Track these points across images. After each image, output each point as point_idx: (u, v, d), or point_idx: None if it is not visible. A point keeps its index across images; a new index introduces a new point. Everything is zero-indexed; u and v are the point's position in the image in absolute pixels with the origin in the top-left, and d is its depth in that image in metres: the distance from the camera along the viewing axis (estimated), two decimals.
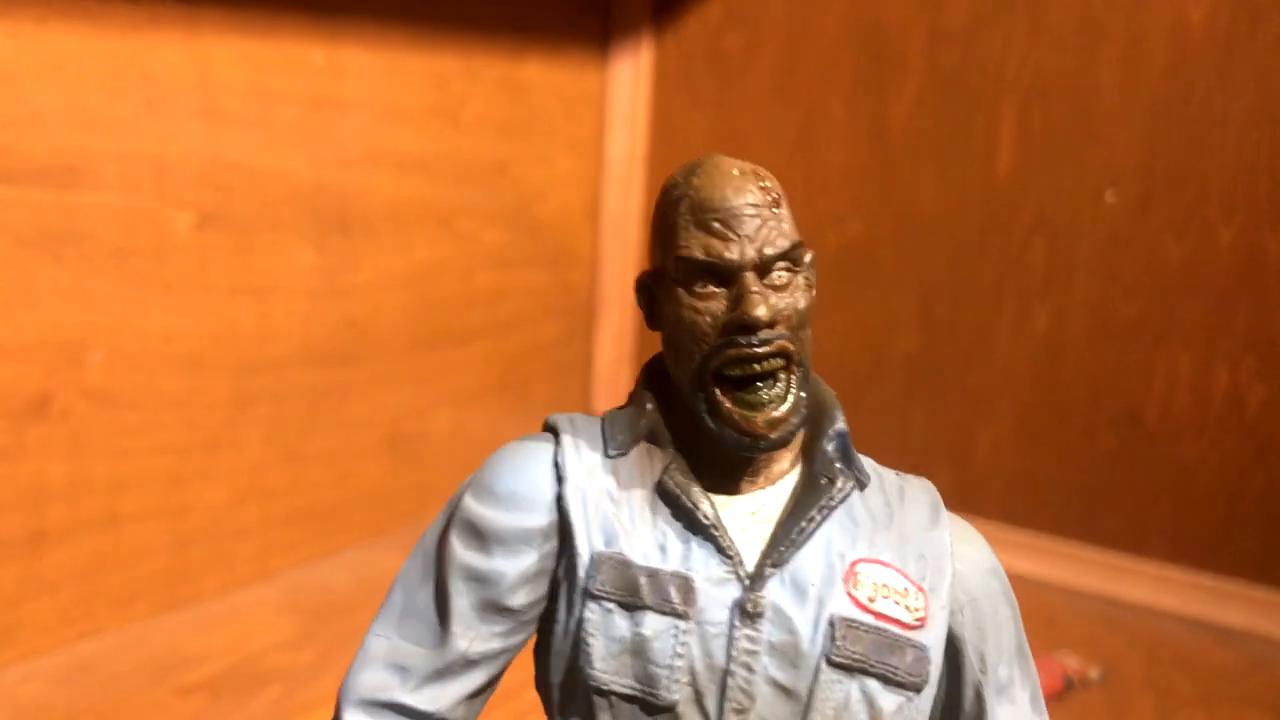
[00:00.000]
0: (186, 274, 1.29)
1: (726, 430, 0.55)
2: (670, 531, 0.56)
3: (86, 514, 1.24)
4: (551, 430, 0.60)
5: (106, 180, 1.21)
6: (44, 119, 1.15)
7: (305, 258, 1.42)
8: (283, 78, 1.36)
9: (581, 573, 0.56)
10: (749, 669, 0.54)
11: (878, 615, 0.55)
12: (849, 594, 0.55)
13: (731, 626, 0.54)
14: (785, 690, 0.54)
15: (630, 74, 1.86)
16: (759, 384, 0.56)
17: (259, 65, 1.34)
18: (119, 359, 1.24)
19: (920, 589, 0.56)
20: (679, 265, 0.57)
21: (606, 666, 0.55)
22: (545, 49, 1.73)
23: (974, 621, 0.58)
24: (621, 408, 0.60)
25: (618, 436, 0.59)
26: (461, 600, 0.58)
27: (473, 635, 0.58)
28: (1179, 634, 1.47)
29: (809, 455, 0.58)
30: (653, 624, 0.54)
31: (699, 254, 0.56)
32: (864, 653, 0.54)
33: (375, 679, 0.59)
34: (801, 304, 0.56)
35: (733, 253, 0.55)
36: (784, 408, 0.55)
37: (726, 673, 0.54)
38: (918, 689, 0.55)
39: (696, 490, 0.56)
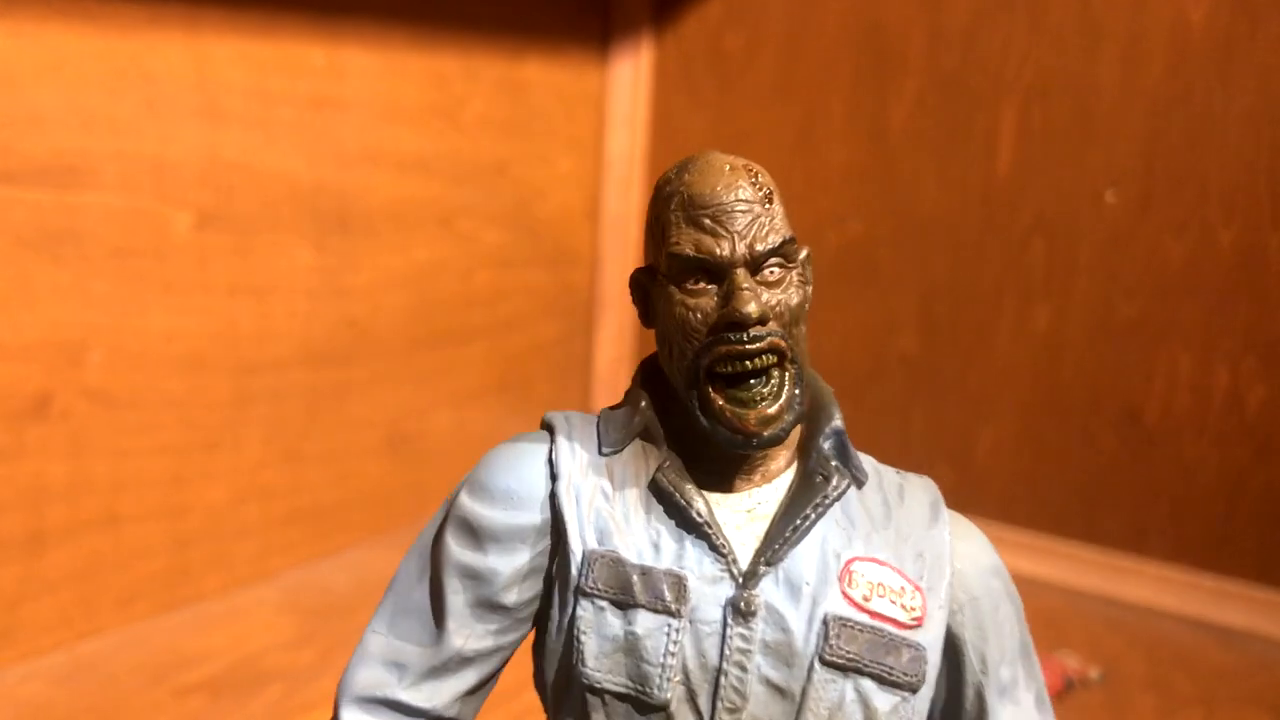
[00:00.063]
0: (186, 274, 1.29)
1: (719, 428, 0.55)
2: (664, 529, 0.56)
3: (86, 514, 1.24)
4: (548, 428, 0.60)
5: (106, 180, 1.21)
6: (44, 119, 1.15)
7: (305, 258, 1.42)
8: (282, 78, 1.36)
9: (574, 570, 0.56)
10: (742, 668, 0.54)
11: (873, 614, 0.55)
12: (844, 593, 0.55)
13: (725, 625, 0.54)
14: (778, 689, 0.54)
15: (630, 74, 1.86)
16: (752, 381, 0.55)
17: (259, 65, 1.34)
18: (119, 359, 1.24)
19: (918, 588, 0.56)
20: (671, 262, 0.56)
21: (599, 665, 0.55)
22: (545, 49, 1.73)
23: (974, 621, 0.57)
24: (617, 406, 0.60)
25: (612, 435, 0.59)
26: (457, 598, 0.58)
27: (468, 633, 0.58)
28: (1179, 634, 1.47)
29: (805, 453, 0.58)
30: (645, 622, 0.54)
31: (689, 250, 0.55)
32: (858, 652, 0.54)
33: (372, 676, 0.59)
34: (794, 300, 0.56)
35: (723, 249, 0.55)
36: (776, 405, 0.55)
37: (719, 671, 0.54)
38: (914, 689, 0.54)
39: (690, 488, 0.56)
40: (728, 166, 0.57)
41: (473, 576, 0.58)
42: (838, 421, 0.58)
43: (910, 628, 0.55)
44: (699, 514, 0.55)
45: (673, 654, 0.54)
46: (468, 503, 0.59)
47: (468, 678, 0.59)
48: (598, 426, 0.59)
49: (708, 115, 1.83)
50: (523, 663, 0.63)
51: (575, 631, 0.55)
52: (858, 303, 1.72)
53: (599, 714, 0.55)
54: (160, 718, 1.13)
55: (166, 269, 1.27)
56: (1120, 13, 1.50)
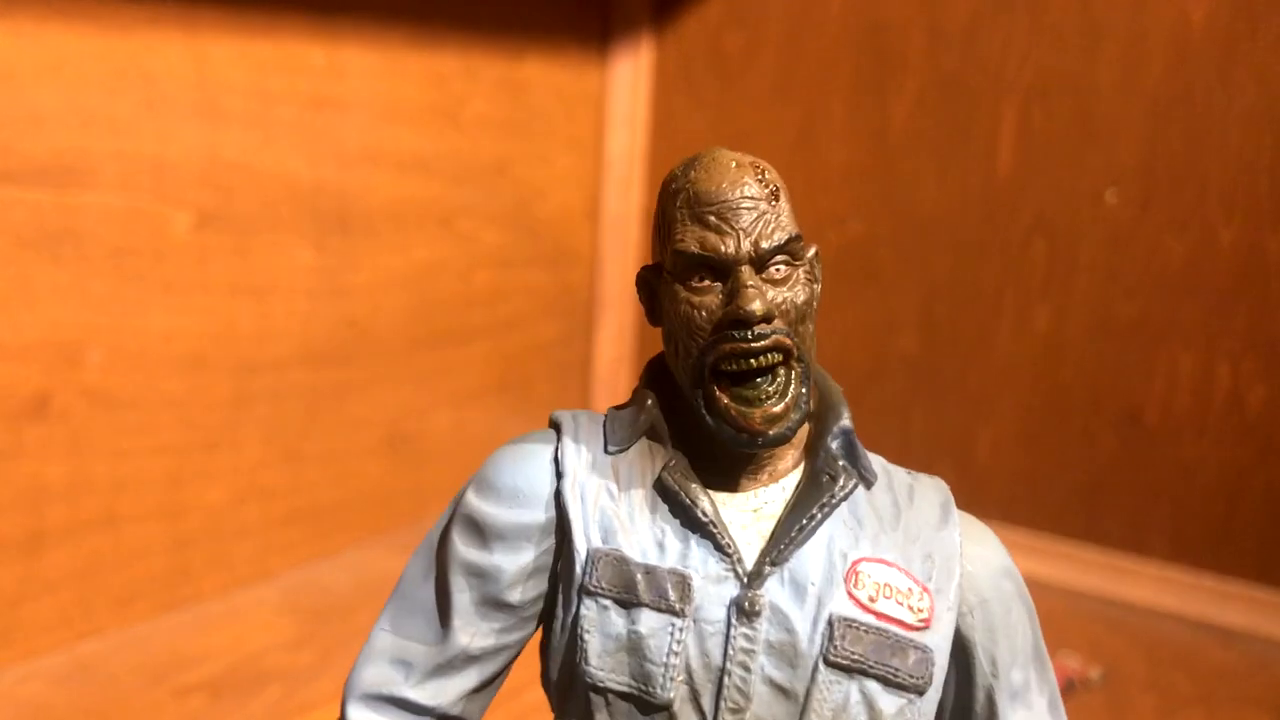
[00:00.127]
0: (186, 274, 1.29)
1: (724, 426, 0.55)
2: (669, 529, 0.55)
3: (86, 514, 1.24)
4: (555, 427, 0.60)
5: (106, 180, 1.21)
6: (43, 119, 1.15)
7: (305, 258, 1.42)
8: (282, 77, 1.36)
9: (578, 569, 0.55)
10: (745, 668, 0.54)
11: (879, 615, 0.54)
12: (850, 593, 0.54)
13: (729, 625, 0.54)
14: (782, 690, 0.54)
15: (630, 73, 1.85)
16: (758, 379, 0.55)
17: (258, 65, 1.33)
18: (118, 359, 1.24)
19: (925, 589, 0.55)
20: (676, 259, 0.56)
21: (602, 664, 0.55)
22: (545, 48, 1.73)
23: (984, 624, 0.57)
24: (623, 405, 0.60)
25: (618, 433, 0.58)
26: (463, 596, 0.58)
27: (473, 631, 0.58)
28: (1180, 634, 1.47)
29: (813, 452, 0.57)
30: (649, 621, 0.54)
31: (694, 247, 0.55)
32: (864, 653, 0.53)
33: (379, 674, 0.59)
34: (800, 298, 0.55)
35: (728, 246, 0.54)
36: (782, 403, 0.55)
37: (723, 671, 0.54)
38: (920, 691, 0.54)
39: (695, 487, 0.56)
40: (734, 163, 0.56)
41: (478, 574, 0.58)
42: (846, 421, 0.57)
43: (917, 629, 0.54)
44: (704, 513, 0.55)
45: (676, 653, 0.54)
46: (474, 501, 0.59)
47: (473, 676, 0.59)
48: (604, 426, 0.59)
49: (708, 115, 1.83)
50: (523, 662, 0.63)
51: (579, 630, 0.55)
52: (858, 303, 1.72)
53: (602, 713, 0.55)
54: (160, 718, 1.13)
55: (166, 269, 1.27)
56: (1121, 12, 1.50)
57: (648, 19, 1.84)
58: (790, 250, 0.55)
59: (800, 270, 0.56)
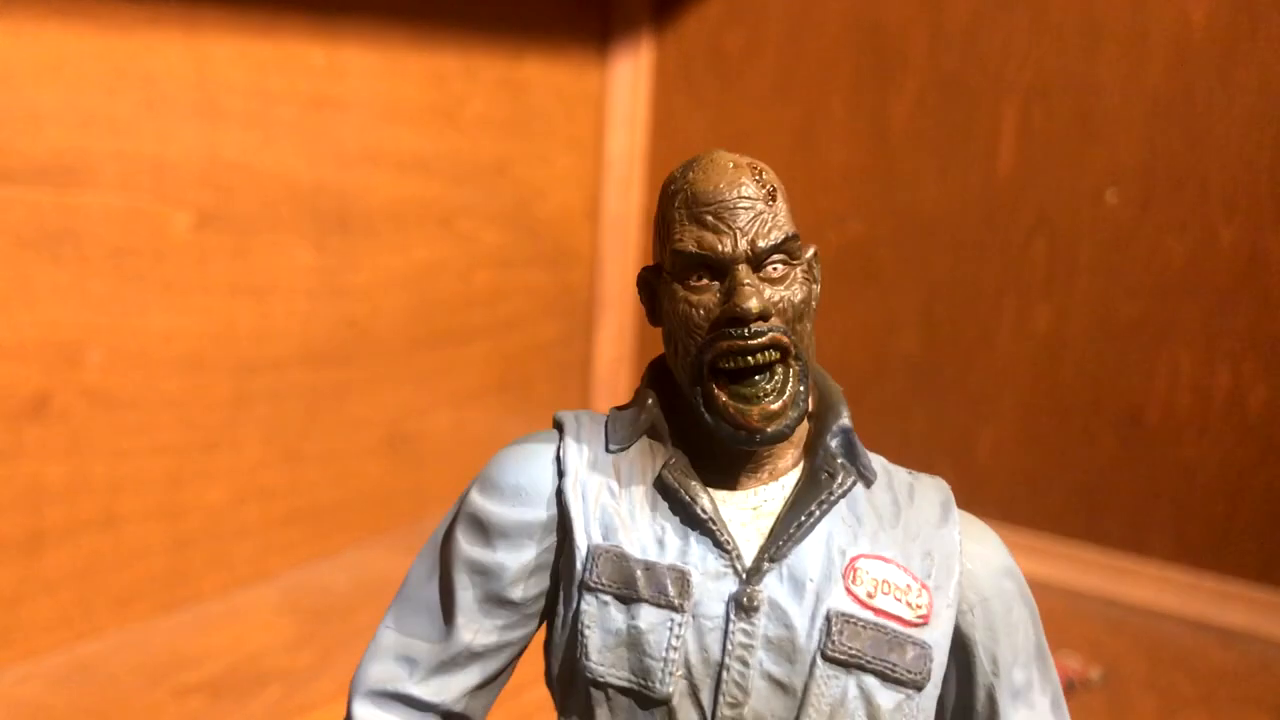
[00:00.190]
0: (185, 274, 1.29)
1: (722, 424, 0.55)
2: (669, 526, 0.56)
3: (85, 514, 1.24)
4: (558, 427, 0.61)
5: (105, 180, 1.21)
6: (43, 118, 1.15)
7: (305, 258, 1.42)
8: (282, 77, 1.36)
9: (579, 565, 0.56)
10: (744, 663, 0.54)
11: (877, 611, 0.55)
12: (848, 589, 0.55)
13: (727, 620, 0.54)
14: (780, 685, 0.54)
15: (630, 73, 1.85)
16: (756, 376, 0.56)
17: (258, 65, 1.33)
18: (118, 359, 1.24)
19: (924, 586, 0.56)
20: (674, 258, 0.57)
21: (602, 659, 0.55)
22: (545, 48, 1.73)
23: (985, 622, 0.57)
24: (625, 405, 0.61)
25: (619, 432, 0.59)
26: (466, 593, 0.59)
27: (476, 628, 0.59)
28: (1180, 635, 1.47)
29: (813, 451, 0.58)
30: (648, 617, 0.55)
31: (692, 247, 0.56)
32: (861, 648, 0.54)
33: (384, 670, 0.60)
34: (798, 297, 0.56)
35: (725, 245, 0.55)
36: (780, 401, 0.55)
37: (721, 666, 0.54)
38: (918, 687, 0.54)
39: (695, 485, 0.56)
40: (731, 164, 0.57)
41: (481, 572, 0.59)
42: (845, 420, 0.58)
43: (916, 625, 0.55)
44: (703, 510, 0.56)
45: (675, 648, 0.54)
46: (478, 500, 0.60)
47: (476, 673, 0.60)
48: (606, 425, 0.60)
49: (708, 115, 1.83)
50: (525, 662, 0.63)
51: (579, 626, 0.56)
52: (858, 303, 1.72)
53: (602, 708, 0.56)
54: (160, 718, 1.13)
55: (166, 269, 1.27)
56: (1121, 12, 1.50)
57: (648, 19, 1.84)
58: (787, 249, 0.56)
59: (798, 269, 0.57)
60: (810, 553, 0.55)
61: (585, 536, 0.56)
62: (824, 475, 0.57)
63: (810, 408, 0.59)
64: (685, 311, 0.56)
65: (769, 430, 0.55)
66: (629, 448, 0.59)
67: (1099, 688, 1.31)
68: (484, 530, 0.59)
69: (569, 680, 0.57)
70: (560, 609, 0.57)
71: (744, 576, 0.55)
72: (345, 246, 1.47)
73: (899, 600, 0.55)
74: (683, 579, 0.55)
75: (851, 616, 0.54)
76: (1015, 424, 1.64)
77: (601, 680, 0.55)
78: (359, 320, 1.50)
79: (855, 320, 1.72)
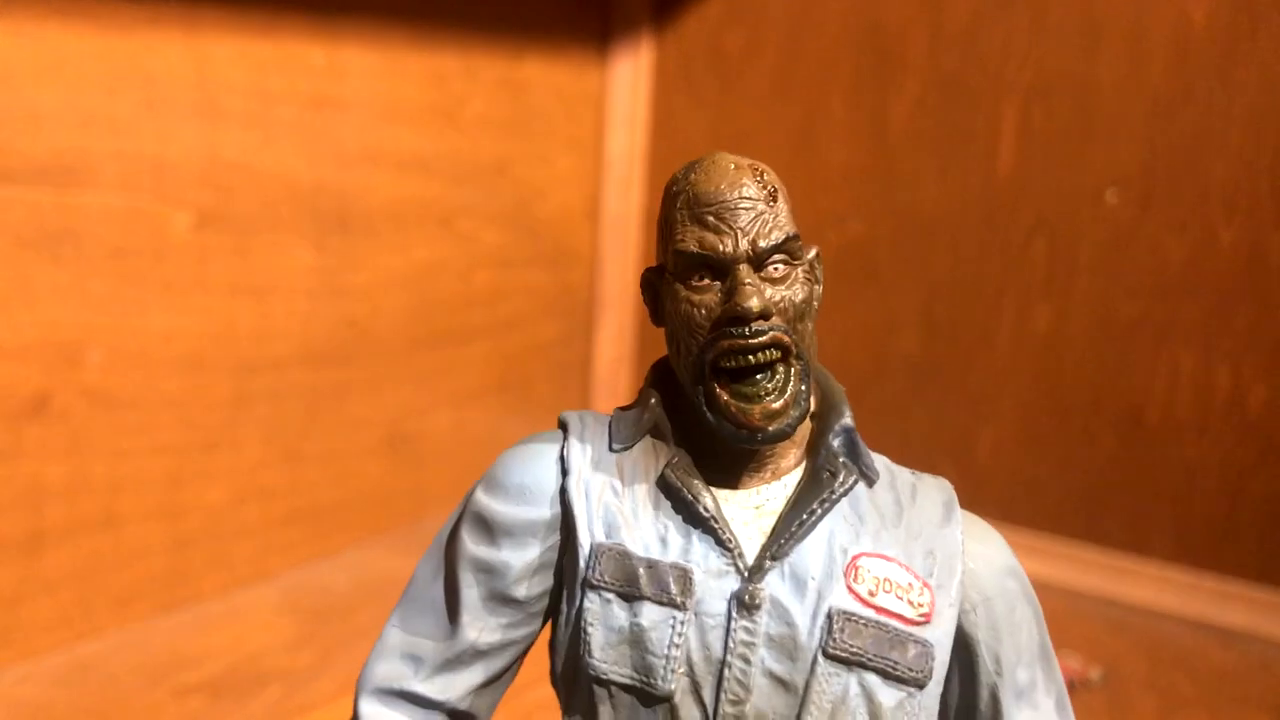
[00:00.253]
0: (185, 274, 1.29)
1: (724, 423, 0.56)
2: (671, 524, 0.57)
3: (85, 514, 1.24)
4: (562, 427, 0.62)
5: (105, 180, 1.21)
6: (43, 118, 1.15)
7: (305, 258, 1.42)
8: (282, 77, 1.36)
9: (582, 563, 0.57)
10: (746, 660, 0.54)
11: (879, 609, 0.55)
12: (849, 588, 0.55)
13: (729, 618, 0.55)
14: (782, 682, 0.54)
15: (630, 73, 1.85)
16: (758, 376, 0.56)
17: (258, 65, 1.33)
18: (118, 359, 1.24)
19: (926, 585, 0.56)
20: (676, 259, 0.57)
21: (605, 656, 0.56)
22: (545, 48, 1.73)
23: (987, 622, 0.57)
24: (629, 406, 0.62)
25: (622, 432, 0.60)
26: (471, 592, 0.59)
27: (481, 626, 0.59)
28: (1180, 635, 1.47)
29: (815, 450, 0.58)
30: (650, 614, 0.55)
31: (693, 247, 0.56)
32: (863, 646, 0.54)
33: (390, 668, 0.61)
34: (799, 297, 0.56)
35: (726, 245, 0.55)
36: (781, 400, 0.55)
37: (723, 664, 0.55)
38: (920, 685, 0.55)
39: (698, 484, 0.57)
40: (733, 165, 0.57)
41: (486, 570, 0.59)
42: (848, 419, 0.58)
43: (917, 624, 0.55)
44: (706, 509, 0.56)
45: (677, 645, 0.55)
46: (482, 499, 0.60)
47: (481, 671, 0.60)
48: (610, 425, 0.61)
49: (708, 115, 1.83)
50: (527, 661, 0.63)
51: (582, 623, 0.56)
52: (858, 303, 1.72)
53: (605, 705, 0.56)
54: (159, 718, 1.13)
55: (166, 269, 1.27)
56: (1121, 12, 1.50)
57: (648, 19, 1.84)
58: (788, 250, 0.56)
59: (799, 269, 0.57)
60: (812, 551, 0.56)
61: (588, 535, 0.57)
62: (826, 474, 0.57)
63: (813, 407, 0.60)
64: (687, 311, 0.57)
65: (770, 429, 0.55)
66: (632, 447, 0.59)
67: (1099, 688, 1.31)
68: (488, 529, 0.59)
69: (572, 678, 0.58)
70: (564, 607, 0.58)
71: (746, 575, 0.55)
72: (345, 246, 1.47)
73: (900, 598, 0.55)
74: (685, 577, 0.55)
75: (853, 614, 0.54)
76: (1015, 424, 1.64)
77: (604, 677, 0.56)
78: (359, 320, 1.50)
79: (855, 320, 1.72)
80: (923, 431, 1.70)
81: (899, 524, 0.57)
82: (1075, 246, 1.57)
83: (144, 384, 1.27)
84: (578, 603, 0.56)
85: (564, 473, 0.59)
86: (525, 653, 0.62)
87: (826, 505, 0.56)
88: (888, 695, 0.54)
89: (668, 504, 0.57)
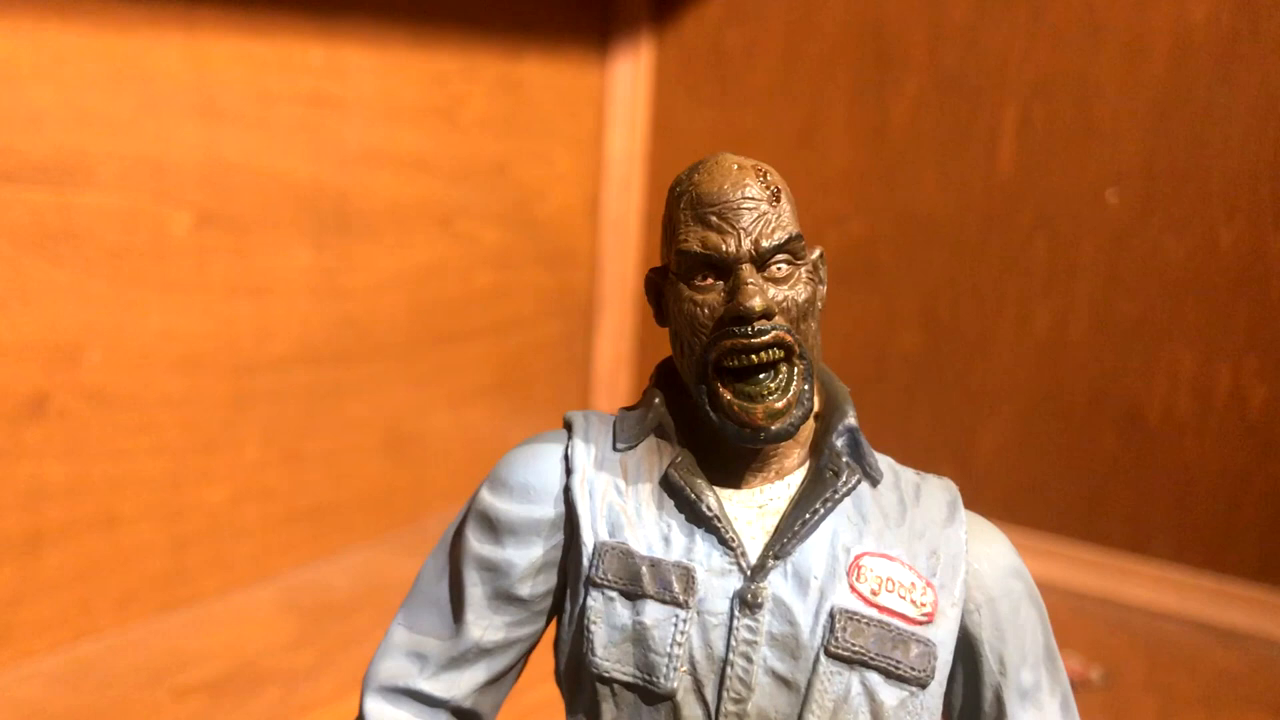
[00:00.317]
0: (185, 274, 1.29)
1: (726, 422, 0.56)
2: (674, 523, 0.57)
3: (84, 514, 1.23)
4: (567, 427, 0.62)
5: (104, 180, 1.20)
6: (42, 118, 1.15)
7: (304, 257, 1.42)
8: (281, 77, 1.36)
9: (585, 562, 0.57)
10: (748, 659, 0.55)
11: (881, 609, 0.55)
12: (852, 587, 0.55)
13: (732, 617, 0.55)
14: (784, 681, 0.55)
15: (630, 72, 1.85)
16: (760, 375, 0.56)
17: (257, 64, 1.33)
18: (117, 359, 1.24)
19: (929, 584, 0.56)
20: (679, 259, 0.57)
21: (608, 654, 0.56)
22: (545, 48, 1.73)
23: (991, 622, 0.57)
24: (633, 406, 0.62)
25: (626, 432, 0.60)
26: (475, 590, 0.60)
27: (485, 624, 0.60)
28: (1181, 635, 1.47)
29: (818, 450, 0.58)
30: (653, 612, 0.55)
31: (697, 247, 0.56)
32: (865, 645, 0.54)
33: (395, 666, 0.61)
34: (801, 297, 0.57)
35: (729, 245, 0.56)
36: (784, 399, 0.56)
37: (725, 662, 0.55)
38: (922, 684, 0.55)
39: (701, 483, 0.57)
40: (736, 166, 0.58)
41: (490, 569, 0.60)
42: (851, 419, 0.59)
43: (920, 623, 0.55)
44: (709, 508, 0.56)
45: (679, 644, 0.55)
46: (487, 498, 0.61)
47: (485, 670, 0.60)
48: (614, 425, 0.61)
49: (708, 115, 1.83)
50: (529, 662, 0.63)
51: (585, 621, 0.56)
52: (859, 302, 1.72)
53: (608, 703, 0.56)
54: (159, 718, 1.13)
55: (165, 269, 1.27)
56: (1121, 11, 1.50)
57: (648, 19, 1.84)
58: (791, 249, 0.57)
59: (802, 269, 0.57)
60: (815, 550, 0.56)
61: (591, 533, 0.57)
62: (829, 474, 0.57)
63: (816, 408, 0.60)
64: (690, 311, 0.57)
65: (773, 428, 0.55)
66: (636, 446, 0.60)
67: (1099, 688, 1.31)
68: (493, 527, 0.60)
69: (575, 676, 0.58)
70: (567, 605, 0.58)
71: (748, 573, 0.55)
72: (345, 246, 1.47)
73: (903, 598, 0.55)
74: (688, 575, 0.55)
75: (855, 613, 0.55)
76: (1015, 424, 1.64)
77: (607, 675, 0.56)
78: (359, 320, 1.50)
79: (856, 320, 1.72)
80: (923, 431, 1.70)
81: (902, 523, 0.57)
82: (1075, 246, 1.57)
83: (143, 384, 1.27)
84: (581, 601, 0.57)
85: (568, 472, 0.59)
86: (529, 651, 0.62)
87: (829, 505, 0.56)
88: (890, 694, 0.54)
89: (671, 503, 0.57)
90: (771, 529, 0.57)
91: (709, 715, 0.55)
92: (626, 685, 0.56)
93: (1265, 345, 1.47)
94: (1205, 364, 1.50)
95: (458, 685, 0.60)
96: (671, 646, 0.55)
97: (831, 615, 0.54)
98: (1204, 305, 1.50)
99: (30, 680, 1.17)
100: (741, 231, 0.56)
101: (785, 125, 1.75)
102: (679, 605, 0.55)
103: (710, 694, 0.55)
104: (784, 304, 0.56)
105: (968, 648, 0.57)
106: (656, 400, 0.60)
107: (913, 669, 0.55)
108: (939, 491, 0.60)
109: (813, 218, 1.71)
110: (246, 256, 1.35)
